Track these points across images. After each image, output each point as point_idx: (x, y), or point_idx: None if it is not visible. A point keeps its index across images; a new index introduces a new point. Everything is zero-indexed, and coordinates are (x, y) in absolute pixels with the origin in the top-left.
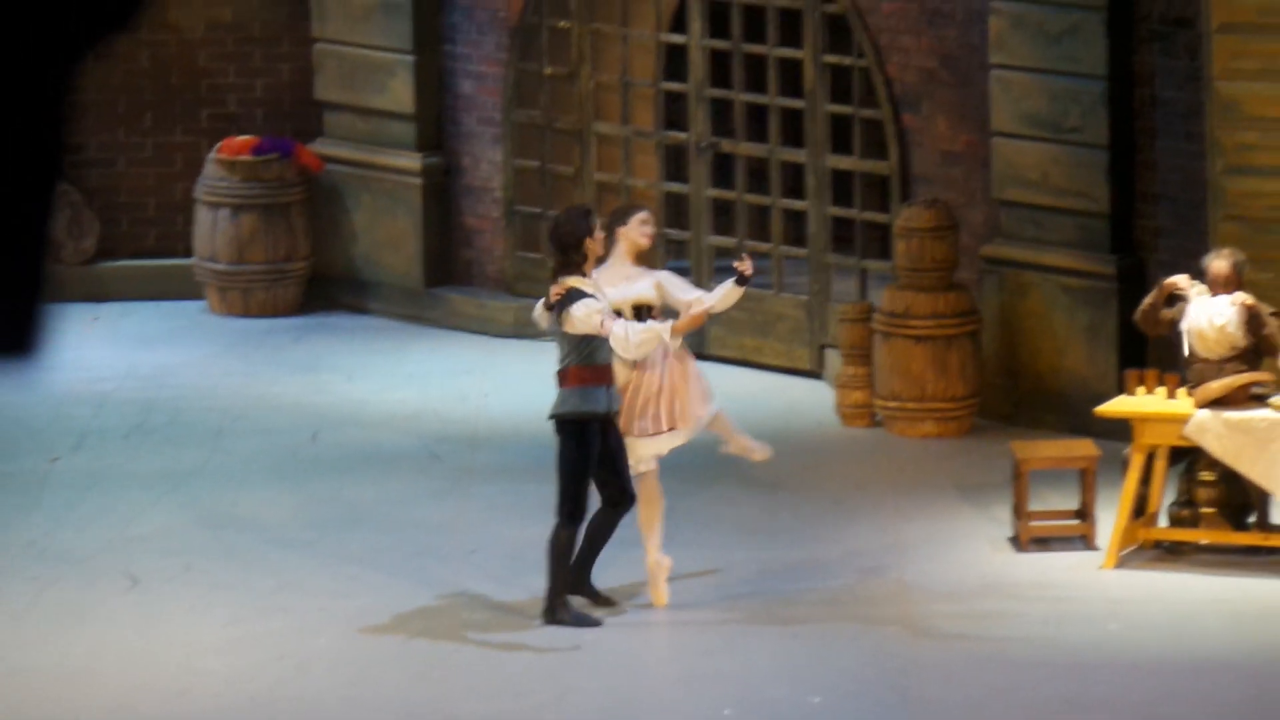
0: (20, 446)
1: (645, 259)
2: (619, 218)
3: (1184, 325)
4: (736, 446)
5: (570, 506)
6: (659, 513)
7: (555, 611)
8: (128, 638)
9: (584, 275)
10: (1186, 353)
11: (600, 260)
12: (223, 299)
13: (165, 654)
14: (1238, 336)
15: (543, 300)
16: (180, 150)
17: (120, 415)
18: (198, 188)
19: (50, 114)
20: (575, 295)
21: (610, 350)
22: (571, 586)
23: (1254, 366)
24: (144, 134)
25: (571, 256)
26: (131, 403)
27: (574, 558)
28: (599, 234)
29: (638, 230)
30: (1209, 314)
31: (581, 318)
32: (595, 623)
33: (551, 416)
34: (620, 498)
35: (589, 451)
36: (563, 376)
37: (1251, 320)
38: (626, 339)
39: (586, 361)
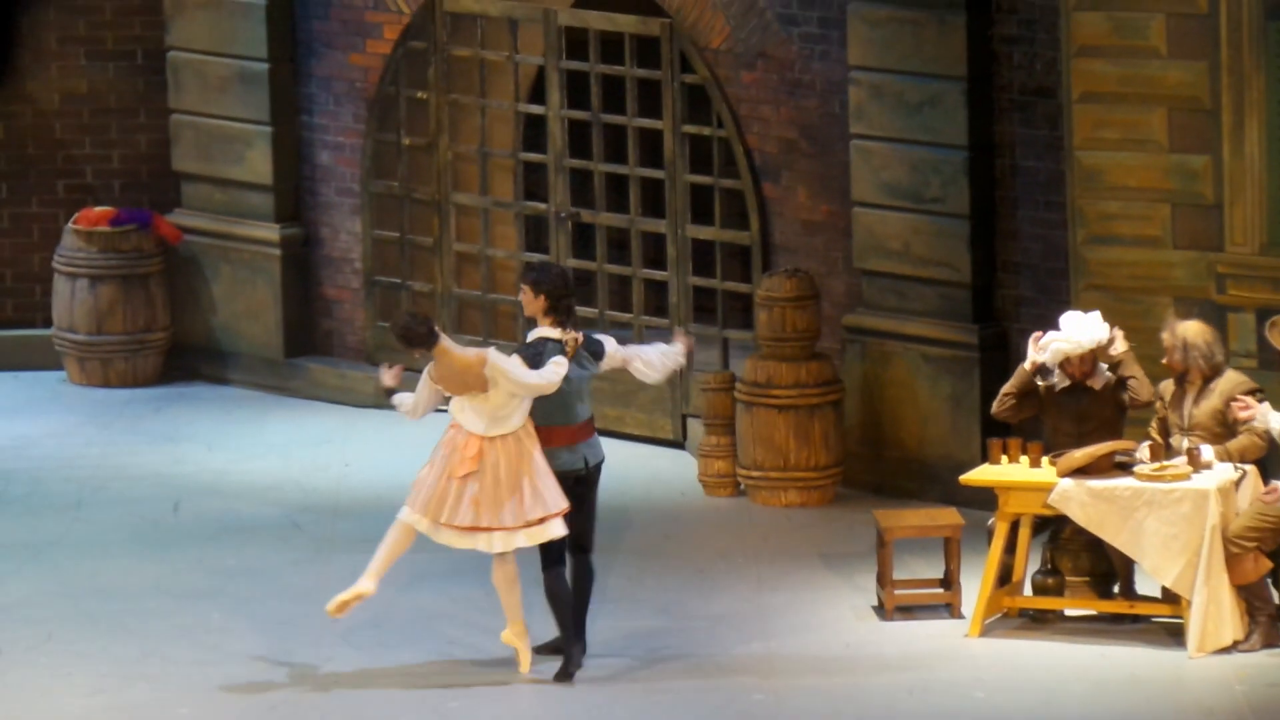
0: None
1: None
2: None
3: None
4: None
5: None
6: (519, 585)
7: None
8: None
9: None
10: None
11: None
12: (82, 369)
13: None
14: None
15: (560, 355)
16: (37, 221)
17: None
18: (55, 258)
19: None
20: (590, 337)
21: None
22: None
23: (1116, 435)
24: (0, 205)
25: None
26: None
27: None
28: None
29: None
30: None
31: (615, 350)
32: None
33: (599, 463)
34: (584, 543)
35: None
36: (593, 425)
37: (1118, 364)
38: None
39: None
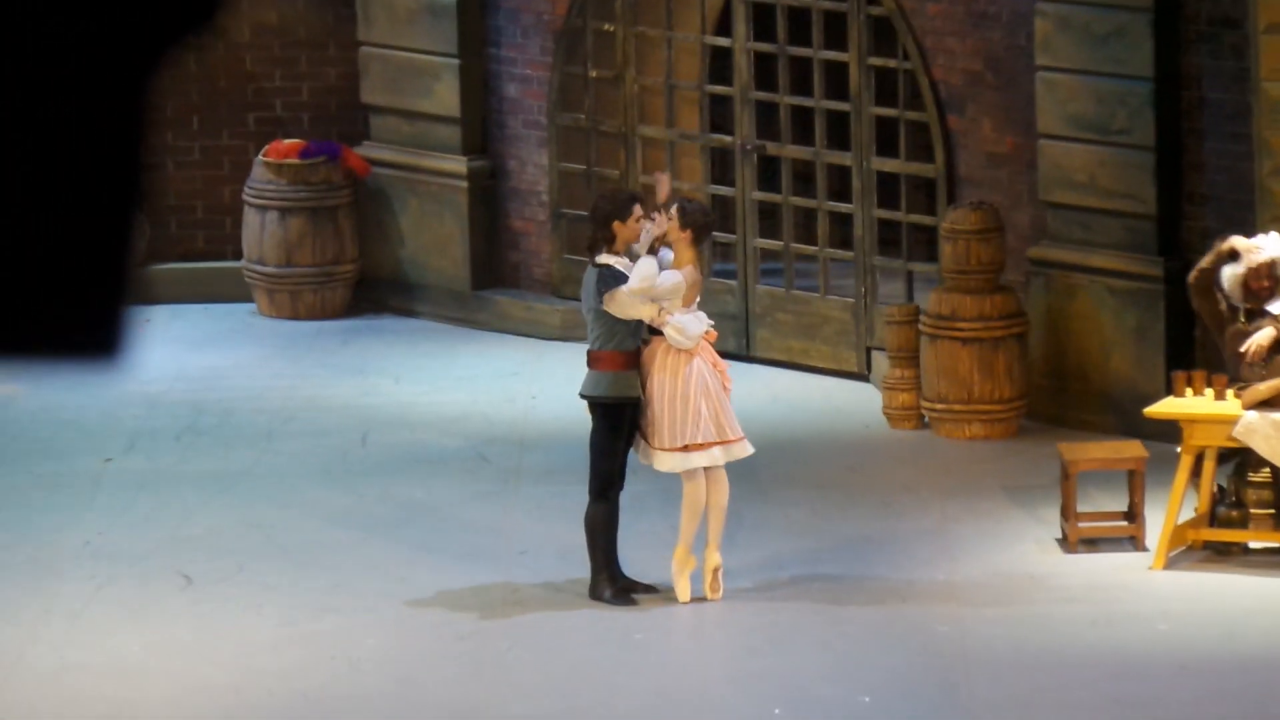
0: (73, 447)
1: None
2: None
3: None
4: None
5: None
6: (724, 510)
7: (598, 588)
8: (182, 636)
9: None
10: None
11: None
12: (271, 302)
13: (218, 652)
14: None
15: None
16: (227, 153)
17: (171, 417)
18: (245, 191)
19: (134, 120)
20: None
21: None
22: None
23: None
24: (191, 137)
25: (601, 234)
26: (182, 404)
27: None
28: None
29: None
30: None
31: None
32: (632, 602)
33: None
34: (620, 482)
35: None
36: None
37: None
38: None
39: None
